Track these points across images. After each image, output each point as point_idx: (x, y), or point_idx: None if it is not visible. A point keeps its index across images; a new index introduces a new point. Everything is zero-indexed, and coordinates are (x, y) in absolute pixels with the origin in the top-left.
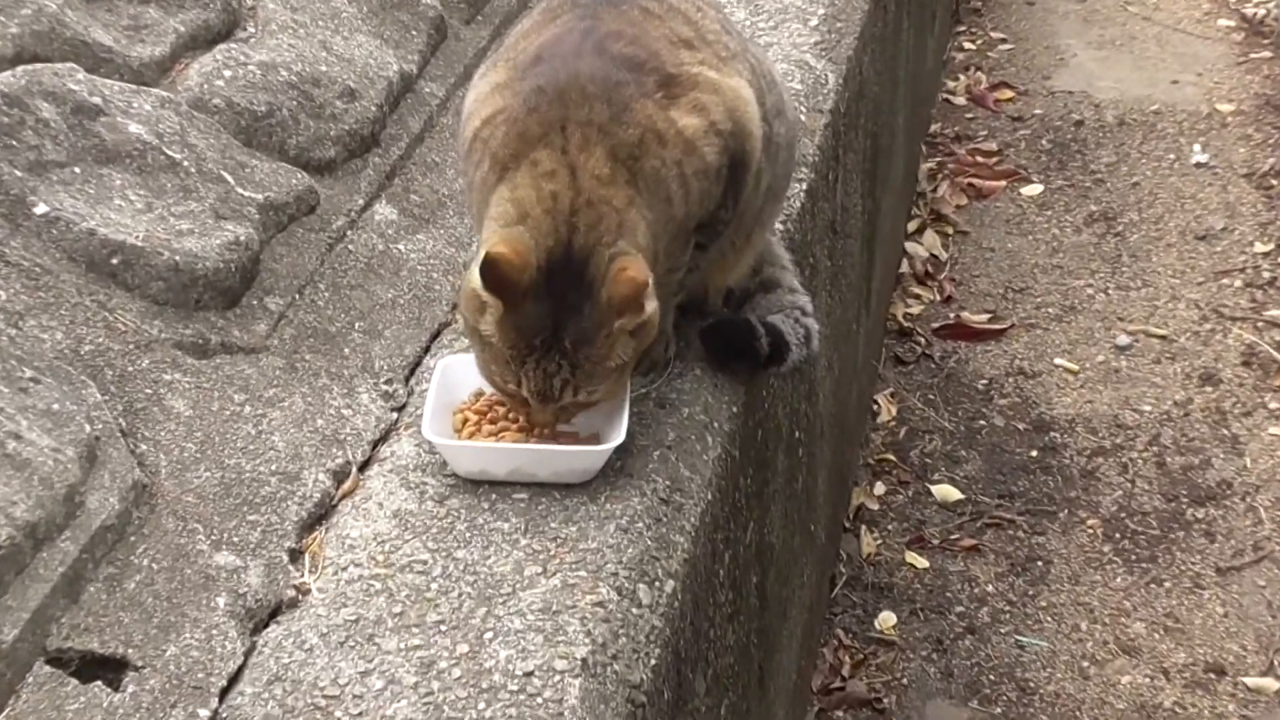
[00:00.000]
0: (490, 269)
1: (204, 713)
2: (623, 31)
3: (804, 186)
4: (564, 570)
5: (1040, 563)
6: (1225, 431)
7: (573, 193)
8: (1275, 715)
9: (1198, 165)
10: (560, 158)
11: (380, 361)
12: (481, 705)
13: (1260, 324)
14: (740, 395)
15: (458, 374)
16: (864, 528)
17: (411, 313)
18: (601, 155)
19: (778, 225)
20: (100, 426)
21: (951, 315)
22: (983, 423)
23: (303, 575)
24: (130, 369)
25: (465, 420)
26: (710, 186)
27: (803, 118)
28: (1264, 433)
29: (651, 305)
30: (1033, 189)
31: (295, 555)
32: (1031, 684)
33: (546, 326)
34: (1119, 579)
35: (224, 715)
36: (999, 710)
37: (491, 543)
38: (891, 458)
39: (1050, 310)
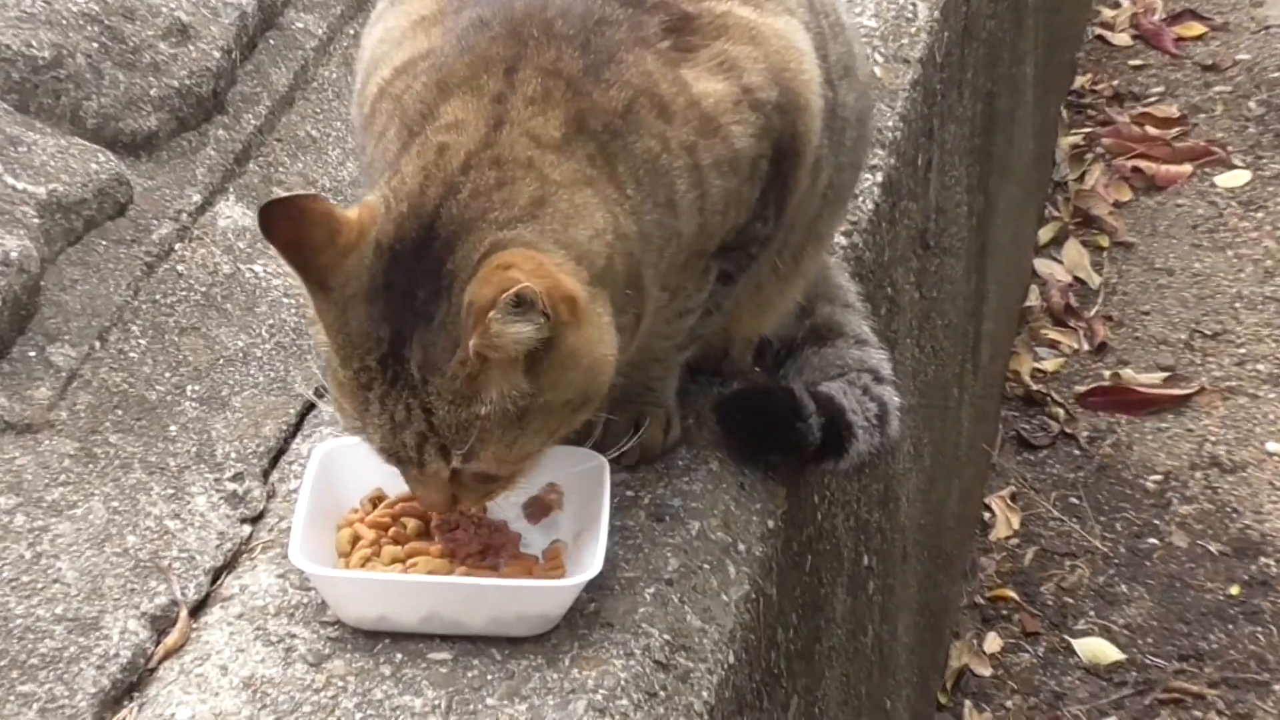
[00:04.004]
0: (278, 216)
1: None
2: None
3: (879, 178)
4: None
5: None
6: None
7: (475, 146)
8: None
9: None
10: (484, 106)
11: (225, 446)
12: None
13: None
14: (779, 502)
15: (344, 466)
16: (969, 704)
17: (274, 370)
18: (559, 119)
19: (838, 239)
20: None
21: (1106, 373)
22: (1154, 541)
23: None
24: None
25: (356, 538)
26: (740, 187)
27: (878, 71)
28: None
29: (586, 332)
30: (1234, 177)
31: None
32: None
33: (384, 339)
34: None
35: None
36: None
37: None
38: (1012, 595)
39: (1260, 367)
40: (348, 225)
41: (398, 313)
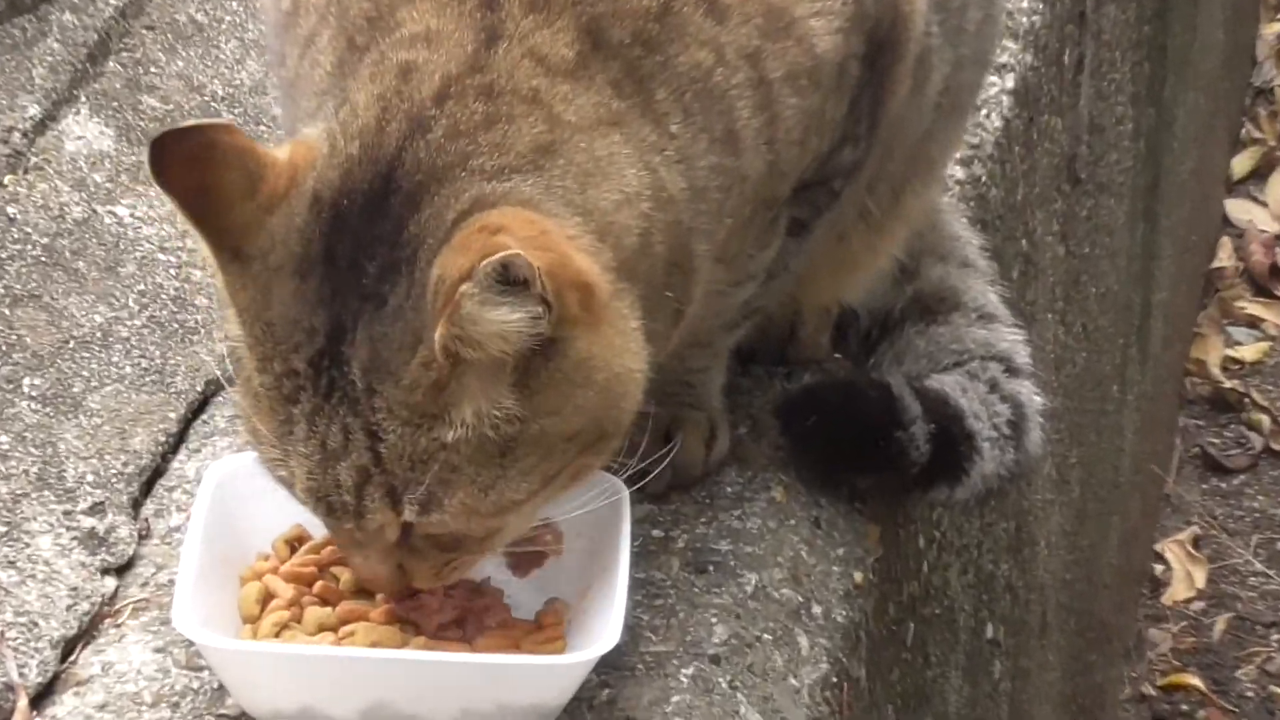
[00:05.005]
0: (177, 154)
1: None
2: None
3: (1010, 82)
4: None
5: None
6: None
7: (459, 69)
8: None
9: None
10: (469, 13)
11: (79, 464)
12: None
13: None
14: (870, 546)
15: (249, 495)
16: None
17: (146, 357)
18: (571, 31)
19: (952, 169)
20: None
21: None
22: None
23: None
24: None
25: (268, 596)
26: (823, 104)
27: None
28: None
29: (604, 337)
30: None
31: None
32: None
33: (318, 330)
34: None
35: None
36: None
37: None
38: (1195, 682)
39: None
40: (274, 169)
41: (339, 294)
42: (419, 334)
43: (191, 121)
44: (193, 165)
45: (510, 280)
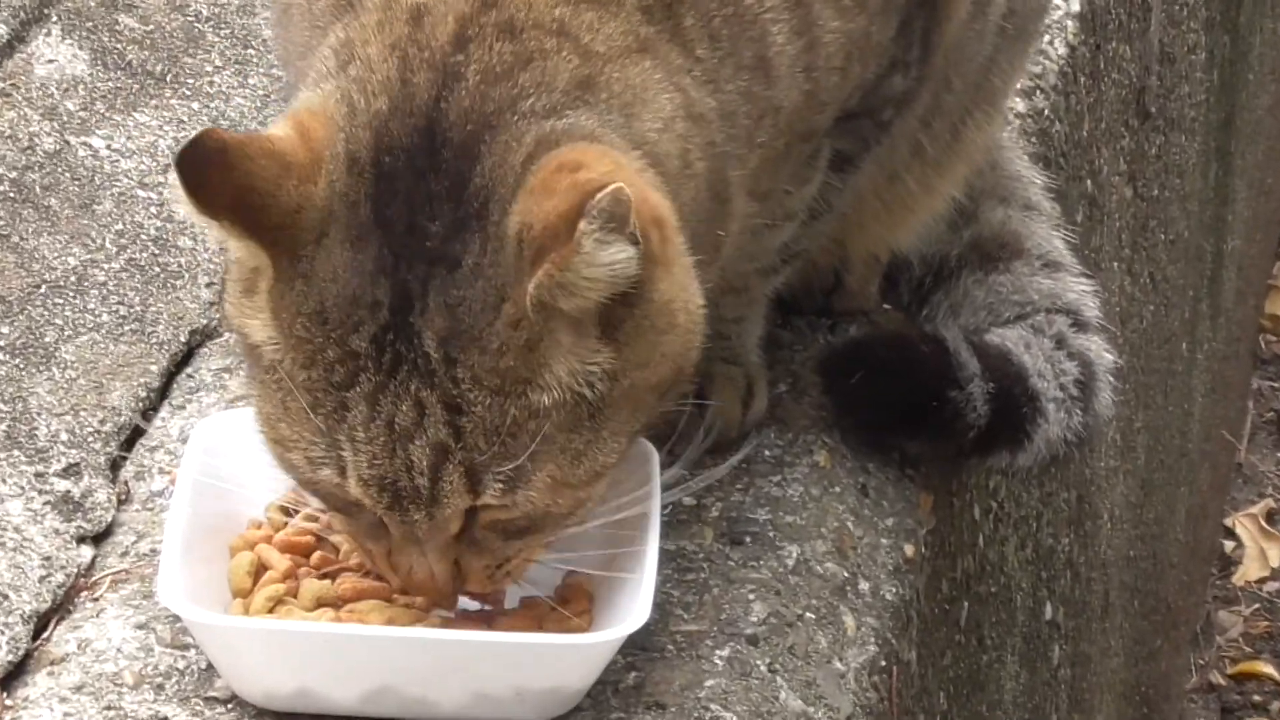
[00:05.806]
0: (213, 169)
1: None
2: None
3: (1074, 5)
4: None
5: None
6: None
7: (467, 7)
8: None
9: None
10: None
11: (51, 421)
12: None
13: None
14: (922, 516)
15: (240, 455)
16: None
17: (125, 303)
18: None
19: (1013, 102)
20: None
21: None
22: None
23: None
24: None
25: (261, 567)
26: (868, 26)
27: None
28: None
29: (676, 275)
30: None
31: None
32: None
33: (381, 304)
34: None
35: None
36: None
37: None
38: (1269, 671)
39: None
40: (288, 143)
41: (401, 260)
42: (503, 292)
43: (191, 134)
44: (224, 171)
45: (614, 217)
